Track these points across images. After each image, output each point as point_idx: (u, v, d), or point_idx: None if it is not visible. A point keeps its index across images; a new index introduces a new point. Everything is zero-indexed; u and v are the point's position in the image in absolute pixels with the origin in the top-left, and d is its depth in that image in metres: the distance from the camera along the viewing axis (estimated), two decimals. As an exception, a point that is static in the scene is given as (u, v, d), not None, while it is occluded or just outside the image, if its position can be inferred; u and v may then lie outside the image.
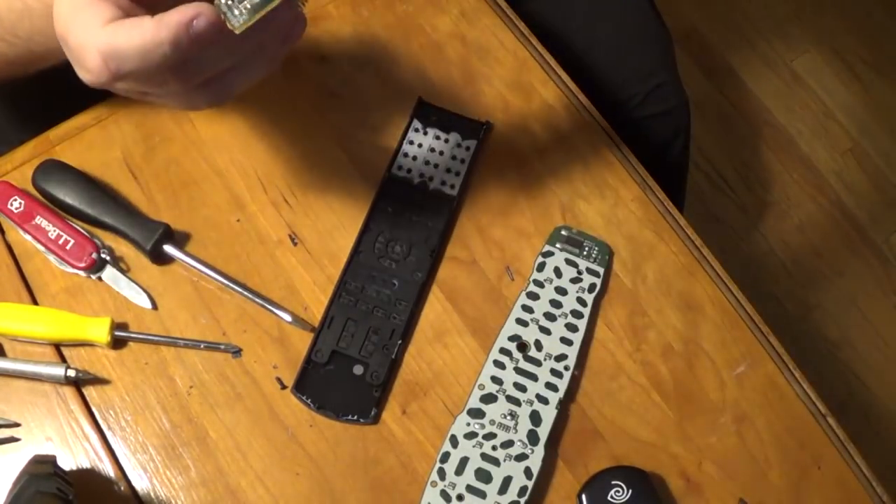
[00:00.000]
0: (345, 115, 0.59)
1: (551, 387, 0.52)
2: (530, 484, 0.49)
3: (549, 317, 0.54)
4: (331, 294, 0.53)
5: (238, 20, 0.36)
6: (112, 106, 0.57)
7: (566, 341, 0.53)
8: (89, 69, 0.37)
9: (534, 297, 0.54)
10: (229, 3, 0.36)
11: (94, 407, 0.50)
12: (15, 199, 0.52)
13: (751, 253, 1.41)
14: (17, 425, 0.49)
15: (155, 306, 0.52)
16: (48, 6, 0.41)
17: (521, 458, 0.50)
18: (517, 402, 0.51)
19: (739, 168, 1.47)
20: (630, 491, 0.49)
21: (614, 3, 0.80)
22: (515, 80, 0.61)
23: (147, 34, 0.35)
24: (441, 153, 0.58)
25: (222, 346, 0.52)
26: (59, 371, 0.49)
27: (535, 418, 0.51)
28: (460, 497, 0.49)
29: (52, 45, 0.45)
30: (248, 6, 0.36)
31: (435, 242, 0.55)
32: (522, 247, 0.56)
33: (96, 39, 0.36)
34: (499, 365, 0.52)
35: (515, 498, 0.49)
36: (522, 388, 0.52)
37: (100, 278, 0.52)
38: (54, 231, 0.52)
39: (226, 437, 0.50)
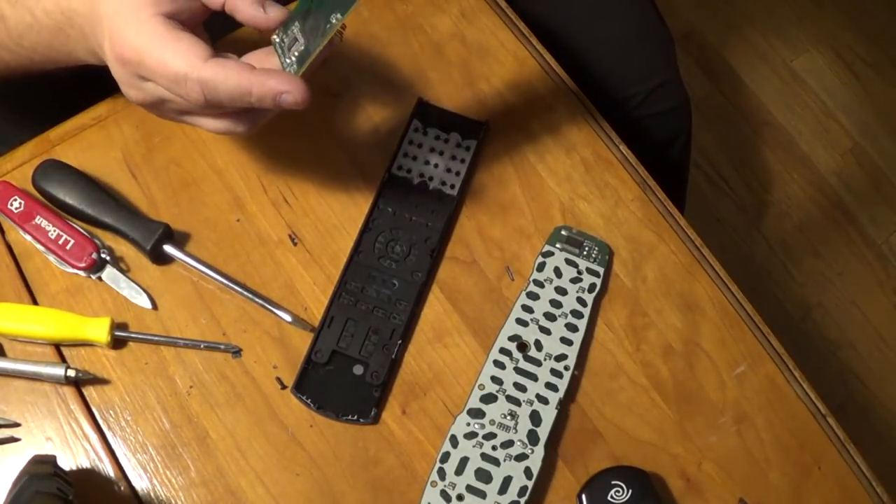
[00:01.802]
0: (345, 115, 0.59)
1: (551, 387, 0.52)
2: (530, 484, 0.49)
3: (549, 317, 0.54)
4: (331, 294, 0.53)
5: (290, 68, 0.44)
6: (112, 106, 0.57)
7: (566, 341, 0.53)
8: (186, 94, 0.43)
9: (534, 297, 0.54)
10: (282, 45, 0.45)
11: (94, 407, 0.50)
12: (15, 199, 0.52)
13: (751, 253, 1.41)
14: (17, 425, 0.49)
15: (155, 306, 0.52)
16: (56, 22, 0.46)
17: (521, 458, 0.50)
18: (517, 402, 0.51)
19: (739, 168, 1.47)
20: (630, 491, 0.49)
21: (615, 3, 0.80)
22: (515, 80, 0.61)
23: (243, 82, 0.42)
24: (441, 153, 0.58)
25: (222, 346, 0.52)
26: (59, 371, 0.49)
27: (535, 418, 0.51)
28: (460, 497, 0.49)
29: (52, 55, 0.50)
30: (296, 55, 0.44)
31: (435, 242, 0.55)
32: (522, 247, 0.56)
33: (200, 73, 0.42)
34: (499, 365, 0.52)
35: (515, 498, 0.49)
36: (522, 388, 0.52)
37: (100, 278, 0.52)
38: (54, 231, 0.52)
39: (226, 437, 0.50)
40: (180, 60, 0.42)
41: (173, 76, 0.42)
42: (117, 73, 0.46)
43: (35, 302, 0.52)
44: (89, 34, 0.45)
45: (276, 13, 0.44)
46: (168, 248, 0.52)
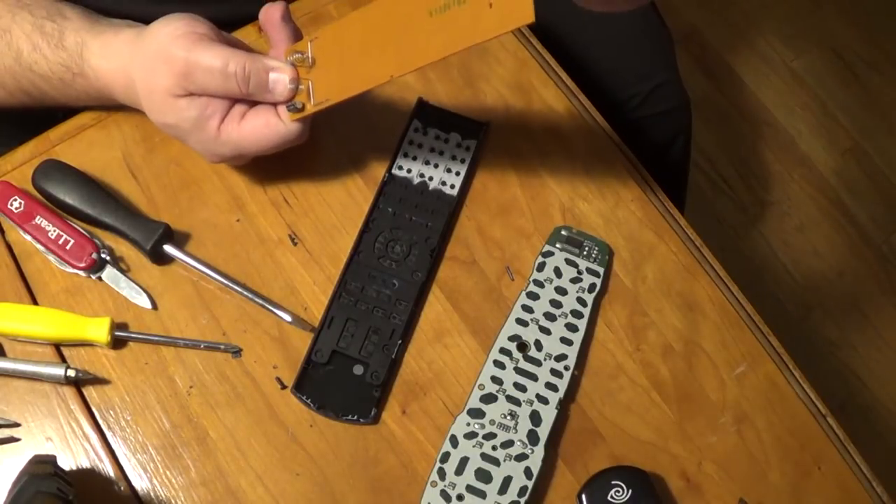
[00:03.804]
0: (345, 115, 0.59)
1: (551, 387, 0.52)
2: (530, 484, 0.49)
3: (549, 317, 0.54)
4: (331, 294, 0.53)
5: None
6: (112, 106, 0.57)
7: (566, 341, 0.53)
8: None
9: (534, 297, 0.54)
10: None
11: (94, 407, 0.50)
12: (15, 199, 0.52)
13: (751, 253, 1.41)
14: (17, 425, 0.49)
15: (155, 306, 0.52)
16: (103, 95, 0.52)
17: (521, 458, 0.50)
18: (517, 402, 0.51)
19: (739, 168, 1.47)
20: (630, 491, 0.49)
21: (614, 3, 0.80)
22: (515, 80, 0.61)
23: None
24: (441, 153, 0.58)
25: (222, 346, 0.52)
26: (59, 371, 0.49)
27: (535, 418, 0.51)
28: (460, 497, 0.49)
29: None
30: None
31: (435, 242, 0.55)
32: (522, 247, 0.56)
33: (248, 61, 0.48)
34: (499, 365, 0.52)
35: (515, 498, 0.49)
36: (522, 388, 0.52)
37: (100, 278, 0.52)
38: (54, 231, 0.52)
39: (226, 437, 0.50)
40: (219, 59, 0.47)
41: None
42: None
43: (35, 302, 0.52)
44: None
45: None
46: (168, 248, 0.52)
